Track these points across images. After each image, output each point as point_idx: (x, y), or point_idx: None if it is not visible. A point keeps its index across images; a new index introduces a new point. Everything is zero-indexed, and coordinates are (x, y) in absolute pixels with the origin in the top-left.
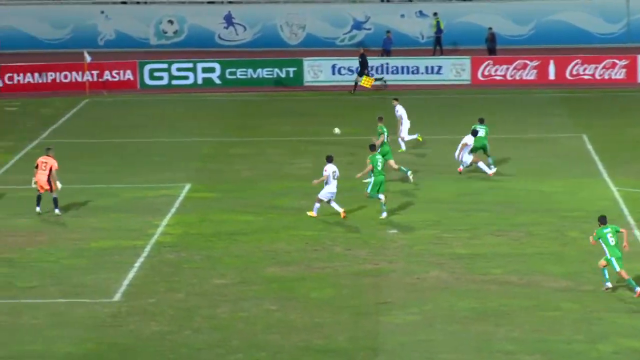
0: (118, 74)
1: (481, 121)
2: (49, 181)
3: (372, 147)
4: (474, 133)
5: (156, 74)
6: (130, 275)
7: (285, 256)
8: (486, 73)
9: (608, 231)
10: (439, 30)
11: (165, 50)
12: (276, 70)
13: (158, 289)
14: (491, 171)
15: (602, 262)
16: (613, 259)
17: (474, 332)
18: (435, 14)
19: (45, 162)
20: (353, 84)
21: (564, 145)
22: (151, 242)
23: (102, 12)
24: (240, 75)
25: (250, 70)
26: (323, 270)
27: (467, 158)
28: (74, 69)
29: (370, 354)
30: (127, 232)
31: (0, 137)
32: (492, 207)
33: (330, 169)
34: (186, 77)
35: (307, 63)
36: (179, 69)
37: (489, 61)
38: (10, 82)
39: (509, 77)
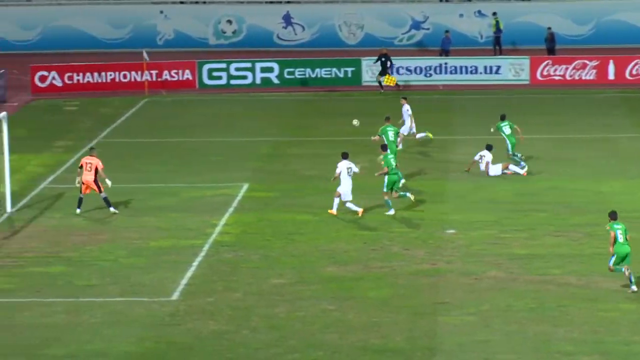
0: (177, 73)
1: (502, 118)
2: (95, 182)
3: (384, 148)
4: (489, 148)
5: (215, 73)
6: (189, 274)
7: (343, 256)
8: (545, 73)
9: (619, 227)
10: (498, 30)
11: (224, 50)
12: (334, 70)
13: (216, 288)
14: (523, 170)
15: (610, 267)
16: (614, 257)
17: (532, 333)
18: (494, 13)
19: (90, 163)
20: (377, 84)
21: (623, 146)
22: (209, 242)
23: (162, 12)
24: (299, 75)
25: (308, 70)
26: (381, 270)
27: (496, 169)
28: (133, 69)
29: (428, 354)
30: (185, 232)
31: (60, 136)
32: (551, 208)
33: (343, 165)
34: (244, 77)
35: (365, 63)
36: (237, 69)
37: (548, 61)
38: (70, 82)
39: (568, 77)
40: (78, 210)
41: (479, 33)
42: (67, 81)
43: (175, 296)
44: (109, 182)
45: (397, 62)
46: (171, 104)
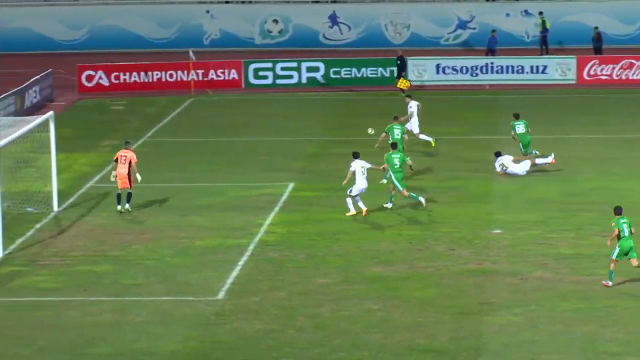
0: (223, 73)
1: (517, 117)
2: (128, 175)
3: (394, 146)
4: (498, 154)
5: (261, 73)
6: (234, 273)
7: (388, 255)
8: (592, 73)
9: (624, 221)
10: (544, 30)
11: (270, 50)
12: (380, 69)
13: (261, 287)
14: (550, 158)
15: (612, 265)
16: (617, 250)
17: (579, 333)
18: (540, 13)
19: (125, 156)
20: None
21: None
22: (255, 241)
23: (208, 12)
24: (345, 74)
25: (354, 70)
26: (426, 270)
27: (519, 167)
28: (179, 68)
29: (473, 354)
30: (231, 231)
31: (107, 135)
32: (598, 208)
33: (356, 165)
34: (290, 77)
35: (411, 62)
36: (283, 68)
37: (594, 61)
38: (117, 81)
39: (615, 77)
40: (119, 207)
41: (526, 32)
42: (113, 81)
43: (220, 295)
44: (139, 177)
45: (443, 61)
46: (217, 103)
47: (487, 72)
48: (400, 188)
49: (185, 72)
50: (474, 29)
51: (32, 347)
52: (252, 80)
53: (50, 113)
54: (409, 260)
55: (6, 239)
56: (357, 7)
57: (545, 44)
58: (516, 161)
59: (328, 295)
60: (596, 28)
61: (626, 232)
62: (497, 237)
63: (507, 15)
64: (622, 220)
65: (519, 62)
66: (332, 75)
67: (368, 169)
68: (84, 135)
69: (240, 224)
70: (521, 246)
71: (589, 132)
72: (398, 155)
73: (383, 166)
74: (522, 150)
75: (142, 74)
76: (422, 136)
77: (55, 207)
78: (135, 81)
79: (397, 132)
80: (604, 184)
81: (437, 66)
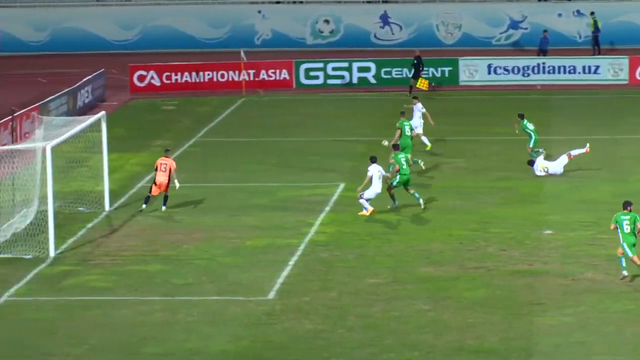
0: (274, 73)
1: (522, 117)
2: (168, 183)
3: (396, 147)
4: (531, 163)
5: (312, 73)
6: (285, 273)
7: (438, 256)
8: None
9: (626, 218)
10: (596, 30)
11: (321, 50)
12: (431, 69)
13: (312, 287)
14: (586, 147)
15: (620, 250)
16: (625, 244)
17: (630, 334)
18: (592, 13)
19: (165, 164)
20: (408, 87)
21: None
22: (305, 241)
23: (259, 12)
24: (396, 74)
25: (405, 70)
26: (476, 271)
27: (559, 165)
28: (230, 69)
29: (524, 355)
30: (281, 231)
31: (158, 135)
32: None
33: (373, 169)
34: (341, 77)
35: (463, 63)
36: (334, 69)
37: None
38: (168, 82)
39: None
40: (144, 206)
41: (578, 33)
42: (165, 81)
43: (271, 295)
44: (177, 184)
45: (495, 62)
46: (268, 103)
47: (538, 73)
48: (394, 184)
49: (237, 72)
50: (526, 29)
51: (84, 347)
52: (303, 81)
53: (102, 113)
54: (460, 260)
55: (58, 238)
56: (408, 7)
57: (597, 44)
58: (552, 160)
59: (378, 295)
60: None
61: (626, 229)
62: (548, 238)
63: (559, 15)
64: (623, 217)
65: (571, 63)
66: (383, 76)
67: (383, 176)
68: (136, 135)
69: (290, 224)
70: (572, 247)
71: None
72: (403, 155)
73: (395, 169)
74: (530, 145)
75: (194, 74)
76: (422, 137)
77: (107, 207)
78: (186, 81)
79: (407, 129)
80: None
81: (489, 66)
